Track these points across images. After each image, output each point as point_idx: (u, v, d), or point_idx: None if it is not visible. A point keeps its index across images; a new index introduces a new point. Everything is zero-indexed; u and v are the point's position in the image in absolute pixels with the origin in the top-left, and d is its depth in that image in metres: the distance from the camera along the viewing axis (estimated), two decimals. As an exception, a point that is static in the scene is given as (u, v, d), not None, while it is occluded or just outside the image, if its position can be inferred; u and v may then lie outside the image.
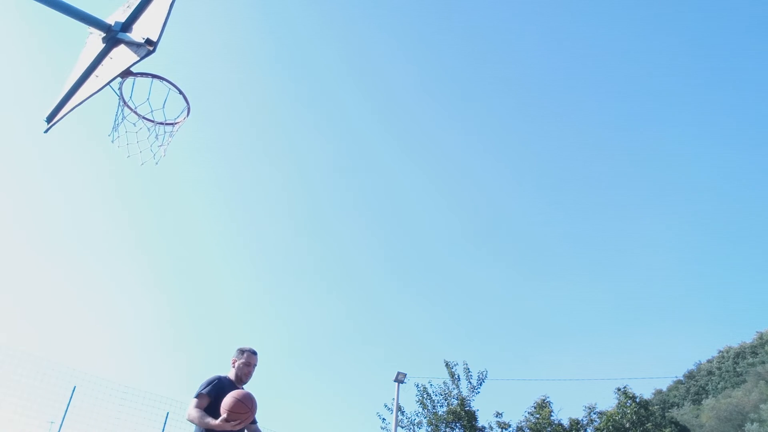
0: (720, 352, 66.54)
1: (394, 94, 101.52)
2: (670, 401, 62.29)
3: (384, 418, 19.52)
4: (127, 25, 3.87)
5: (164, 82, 4.14)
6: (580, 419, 20.19)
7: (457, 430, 19.15)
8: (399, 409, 18.87)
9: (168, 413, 11.73)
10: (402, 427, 19.40)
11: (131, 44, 3.69)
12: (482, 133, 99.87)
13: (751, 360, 59.89)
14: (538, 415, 20.01)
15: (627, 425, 19.53)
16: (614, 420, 19.55)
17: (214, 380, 4.31)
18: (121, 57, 3.78)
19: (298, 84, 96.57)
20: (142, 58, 3.56)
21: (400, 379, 18.26)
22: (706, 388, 63.03)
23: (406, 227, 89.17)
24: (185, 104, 4.28)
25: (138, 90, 4.17)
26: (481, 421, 19.32)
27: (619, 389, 20.93)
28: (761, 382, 52.01)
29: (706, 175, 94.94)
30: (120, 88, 4.16)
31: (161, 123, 4.27)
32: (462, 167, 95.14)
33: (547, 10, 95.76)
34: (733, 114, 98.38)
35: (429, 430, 19.41)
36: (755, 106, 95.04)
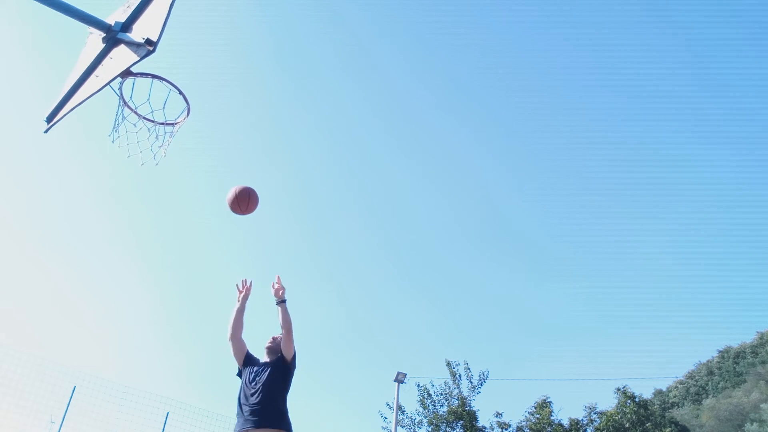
0: (720, 352, 66.57)
1: (393, 93, 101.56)
2: (670, 401, 62.32)
3: (386, 417, 19.54)
4: (127, 25, 3.87)
5: (164, 82, 4.14)
6: (580, 419, 20.20)
7: (457, 429, 19.16)
8: (399, 408, 18.89)
9: (168, 413, 11.74)
10: (402, 427, 19.42)
11: (131, 44, 3.69)
12: (483, 134, 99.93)
13: (751, 360, 59.92)
14: (538, 415, 20.01)
15: (627, 425, 19.54)
16: (614, 420, 19.56)
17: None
18: (121, 57, 3.78)
19: (298, 84, 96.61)
20: (142, 58, 3.56)
21: (400, 379, 18.28)
22: (706, 388, 63.05)
23: (407, 227, 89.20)
24: (185, 104, 4.29)
25: (138, 90, 4.17)
26: (482, 421, 19.35)
27: (618, 389, 20.95)
28: (761, 382, 52.03)
29: (706, 175, 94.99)
30: (120, 88, 4.16)
31: (161, 123, 4.27)
32: (462, 167, 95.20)
33: (547, 10, 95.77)
34: (733, 114, 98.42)
35: (429, 429, 19.43)
36: (755, 106, 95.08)
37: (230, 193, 4.58)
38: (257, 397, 4.22)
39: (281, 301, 4.42)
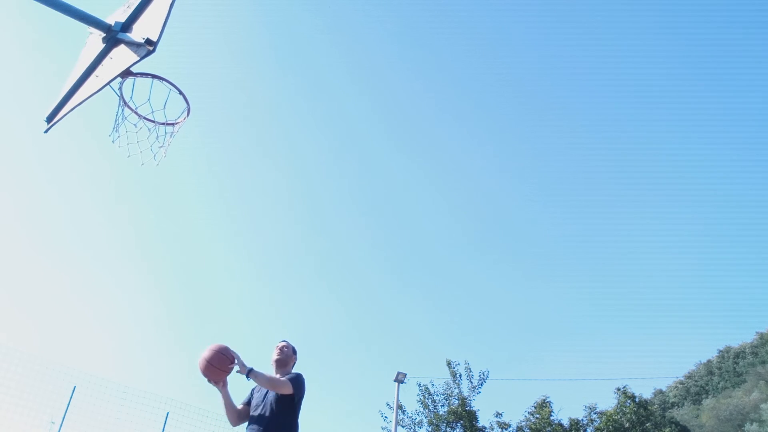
0: (720, 352, 66.59)
1: (393, 93, 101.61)
2: (670, 401, 62.34)
3: (386, 417, 19.56)
4: (127, 25, 3.86)
5: (164, 82, 4.13)
6: (580, 419, 20.21)
7: (457, 429, 19.16)
8: (400, 408, 18.89)
9: (168, 413, 11.72)
10: (402, 427, 19.43)
11: (131, 44, 3.68)
12: (483, 134, 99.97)
13: (751, 360, 59.93)
14: (538, 415, 20.02)
15: (627, 425, 19.53)
16: (614, 420, 19.55)
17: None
18: (121, 57, 3.77)
19: (298, 84, 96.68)
20: (142, 58, 3.54)
21: (400, 379, 18.28)
22: (706, 388, 63.07)
23: (406, 227, 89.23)
24: (185, 104, 4.27)
25: (138, 90, 4.16)
26: (482, 421, 19.36)
27: (618, 389, 20.94)
28: (761, 382, 52.04)
29: (707, 175, 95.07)
30: (120, 89, 4.15)
31: (162, 123, 4.26)
32: (462, 167, 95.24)
33: (546, 10, 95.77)
34: (733, 114, 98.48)
35: (429, 429, 19.44)
36: (755, 106, 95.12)
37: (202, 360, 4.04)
38: (263, 412, 4.10)
39: (248, 374, 3.95)
